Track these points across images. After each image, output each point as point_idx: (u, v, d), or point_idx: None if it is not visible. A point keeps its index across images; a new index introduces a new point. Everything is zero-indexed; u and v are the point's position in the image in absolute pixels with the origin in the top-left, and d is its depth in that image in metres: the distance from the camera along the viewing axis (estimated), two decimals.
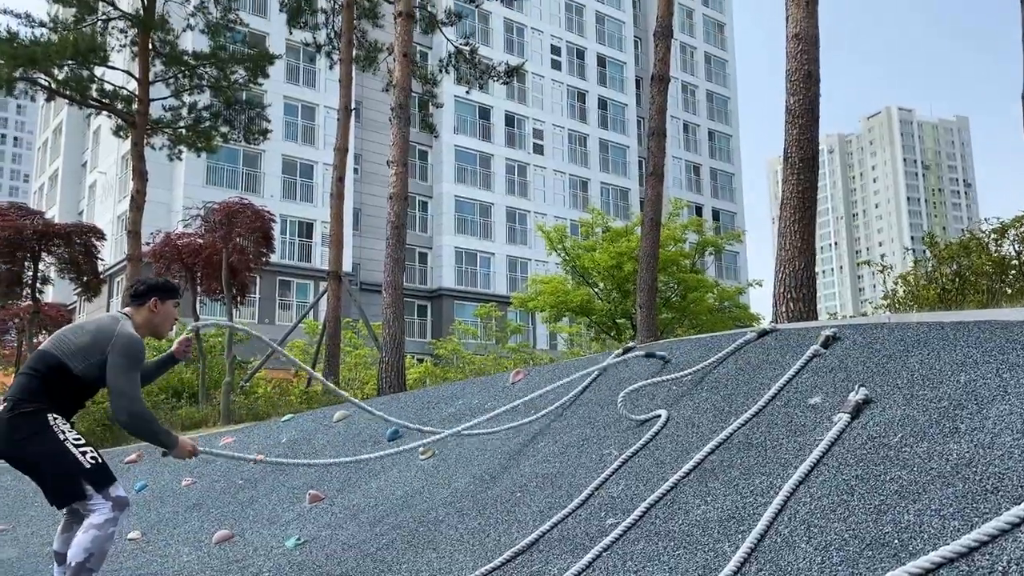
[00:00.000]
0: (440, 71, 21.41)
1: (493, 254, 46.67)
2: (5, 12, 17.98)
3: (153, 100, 18.76)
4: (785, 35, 7.92)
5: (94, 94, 18.75)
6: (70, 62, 17.75)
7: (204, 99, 20.39)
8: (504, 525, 4.49)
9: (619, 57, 55.02)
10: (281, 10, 20.42)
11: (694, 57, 59.72)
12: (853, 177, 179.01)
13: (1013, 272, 7.62)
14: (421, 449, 6.46)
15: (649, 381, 5.61)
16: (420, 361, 28.02)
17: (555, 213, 47.52)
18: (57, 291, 35.16)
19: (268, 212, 16.64)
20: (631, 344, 7.05)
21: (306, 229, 40.42)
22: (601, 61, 54.03)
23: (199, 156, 22.36)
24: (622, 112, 54.54)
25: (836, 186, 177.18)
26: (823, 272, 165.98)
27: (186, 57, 19.16)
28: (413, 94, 13.94)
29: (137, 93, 18.48)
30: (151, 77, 18.69)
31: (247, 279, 17.66)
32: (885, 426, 3.58)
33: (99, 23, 19.43)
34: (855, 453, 3.47)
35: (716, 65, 61.44)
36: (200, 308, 16.85)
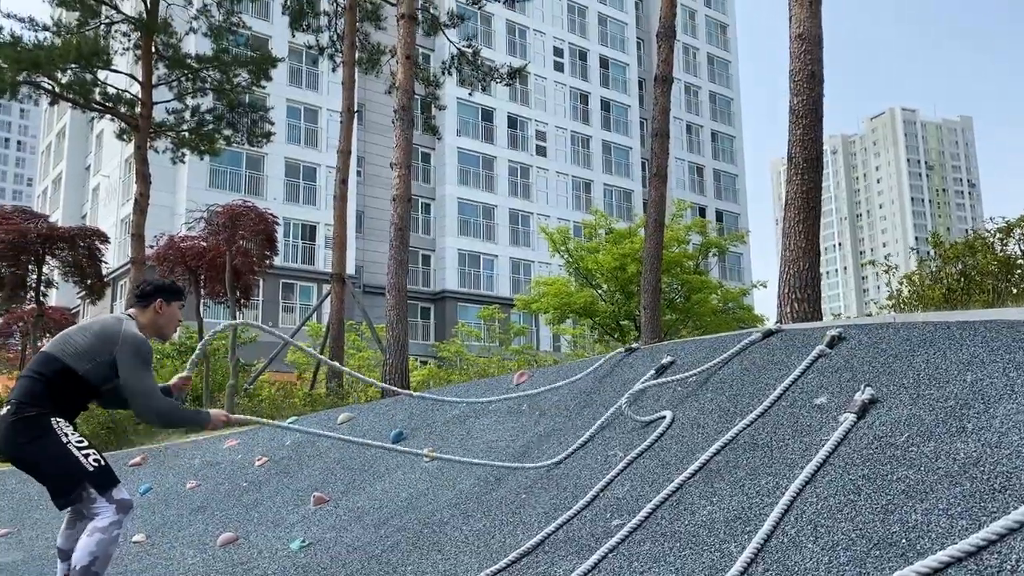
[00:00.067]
0: (443, 73, 21.42)
1: (496, 256, 46.67)
2: (8, 16, 18.03)
3: (156, 103, 18.80)
4: (788, 35, 7.90)
5: (97, 97, 18.79)
6: (73, 66, 17.79)
7: (207, 102, 20.43)
8: (509, 526, 4.48)
9: (621, 58, 55.02)
10: (283, 13, 20.44)
11: (697, 58, 59.70)
12: (857, 178, 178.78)
13: (1019, 272, 7.59)
14: (426, 450, 6.45)
15: (654, 382, 5.60)
16: (423, 363, 28.02)
17: (558, 215, 47.51)
18: (61, 294, 35.25)
19: (272, 215, 16.67)
20: (635, 345, 7.04)
21: (309, 232, 40.46)
22: (604, 62, 54.03)
23: (202, 159, 22.41)
24: (625, 114, 54.52)
25: (840, 187, 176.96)
26: (827, 273, 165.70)
27: (189, 60, 19.20)
28: (416, 96, 13.96)
29: (140, 96, 18.51)
30: (154, 80, 18.73)
31: (251, 281, 17.70)
32: (891, 426, 3.57)
33: (102, 26, 19.47)
34: (861, 453, 3.45)
35: (719, 66, 61.41)
36: (204, 311, 16.86)
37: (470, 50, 20.60)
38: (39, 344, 19.89)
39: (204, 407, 13.97)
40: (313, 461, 7.36)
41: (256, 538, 5.93)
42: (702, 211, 53.71)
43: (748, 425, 4.31)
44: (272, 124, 21.48)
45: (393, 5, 14.55)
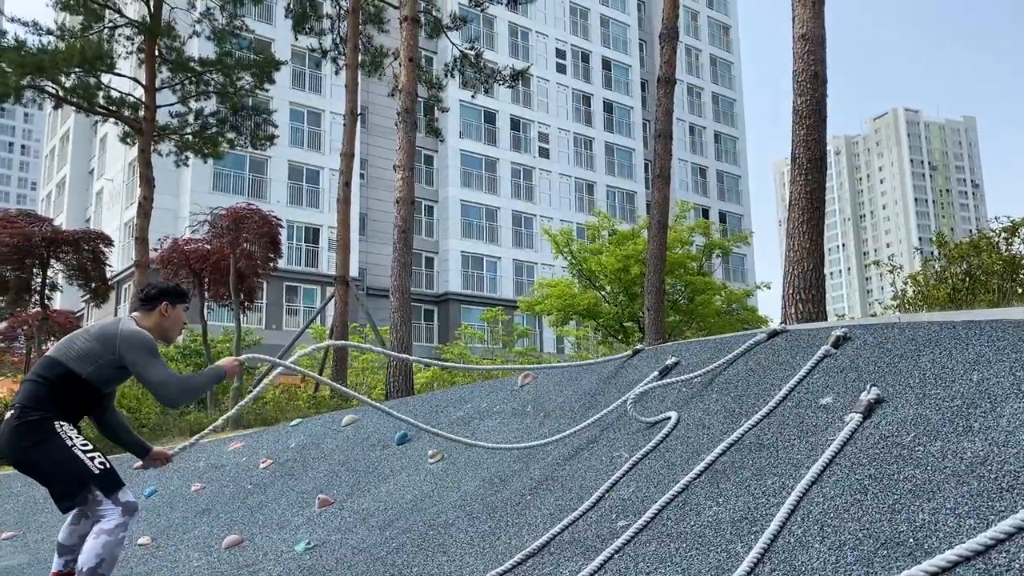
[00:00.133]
0: (445, 75, 21.44)
1: (499, 258, 46.68)
2: (13, 20, 18.09)
3: (160, 106, 18.84)
4: (792, 36, 7.91)
5: (101, 101, 18.84)
6: (77, 70, 17.84)
7: (210, 105, 20.46)
8: (514, 528, 4.48)
9: (624, 60, 55.03)
10: (287, 16, 20.48)
11: (699, 60, 59.70)
12: (860, 179, 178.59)
13: None
14: (430, 452, 6.46)
15: (659, 383, 5.60)
16: (426, 366, 28.03)
17: (561, 217, 47.53)
18: (65, 298, 35.33)
19: (275, 217, 16.69)
20: (640, 346, 7.04)
21: (312, 234, 40.50)
22: (606, 64, 54.04)
23: (206, 162, 22.44)
24: (627, 115, 54.53)
25: (843, 188, 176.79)
26: (830, 274, 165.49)
27: (192, 64, 19.24)
28: (419, 99, 13.95)
29: (144, 100, 18.55)
30: (158, 84, 18.77)
31: (255, 284, 17.71)
32: (898, 425, 3.56)
33: (106, 30, 19.52)
34: (868, 453, 3.44)
35: (722, 67, 61.41)
36: (208, 314, 16.88)
37: (473, 52, 20.61)
38: (44, 348, 19.93)
39: (208, 409, 14.01)
40: (318, 463, 7.36)
41: (261, 540, 5.93)
42: (705, 212, 53.68)
43: (754, 426, 4.30)
44: (275, 127, 21.51)
45: (396, 8, 14.57)
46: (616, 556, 3.60)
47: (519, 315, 36.88)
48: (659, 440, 4.73)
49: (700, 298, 25.19)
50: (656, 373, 5.93)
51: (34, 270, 20.21)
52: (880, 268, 9.62)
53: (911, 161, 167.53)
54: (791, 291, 7.31)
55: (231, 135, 20.18)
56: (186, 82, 19.47)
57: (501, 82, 21.33)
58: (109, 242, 21.44)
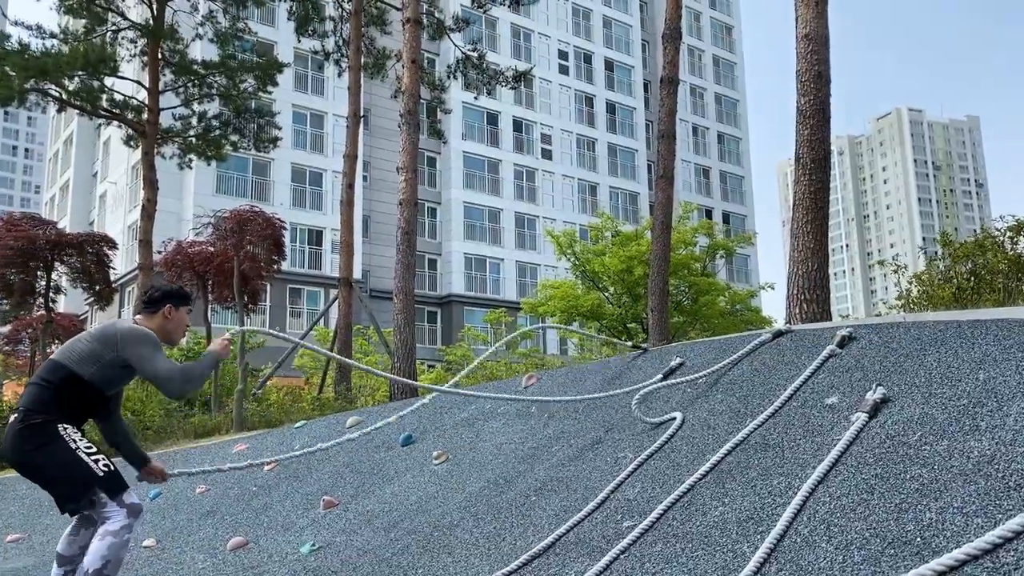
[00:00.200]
0: (448, 77, 21.45)
1: (502, 260, 46.68)
2: (16, 24, 18.14)
3: (163, 109, 18.88)
4: (795, 36, 7.90)
5: (104, 104, 18.87)
6: (80, 73, 17.88)
7: (214, 108, 20.50)
8: (520, 529, 4.47)
9: (627, 61, 55.02)
10: (289, 19, 20.52)
11: (702, 60, 59.68)
12: (863, 179, 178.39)
13: None
14: (435, 454, 6.45)
15: (663, 383, 5.59)
16: (430, 368, 28.05)
17: (564, 218, 47.52)
18: (69, 301, 35.35)
19: (279, 219, 16.70)
20: (645, 345, 7.03)
21: (316, 237, 40.54)
22: (609, 65, 54.04)
23: (209, 165, 22.49)
24: (630, 116, 54.52)
25: (846, 188, 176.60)
26: (834, 275, 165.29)
27: (195, 66, 19.27)
28: (421, 100, 13.98)
29: (147, 103, 18.59)
30: (161, 86, 18.81)
31: (259, 286, 17.73)
32: (904, 425, 3.55)
33: (109, 33, 19.57)
34: (874, 452, 3.44)
35: (724, 68, 61.37)
36: (212, 316, 16.90)
37: (475, 54, 20.62)
38: (48, 351, 19.96)
39: (212, 411, 14.00)
40: (322, 465, 7.36)
41: (266, 542, 5.93)
42: (709, 213, 53.63)
43: (759, 425, 4.29)
44: (279, 129, 21.54)
45: (398, 10, 14.59)
46: (622, 556, 3.59)
47: (522, 317, 36.88)
48: (664, 440, 4.73)
49: (704, 299, 25.17)
50: (659, 376, 5.92)
51: (38, 273, 20.25)
52: (885, 268, 9.61)
53: (915, 161, 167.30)
54: (795, 291, 7.30)
55: (234, 137, 20.21)
56: (189, 85, 19.51)
57: (504, 83, 21.34)
58: (113, 245, 21.47)
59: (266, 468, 7.88)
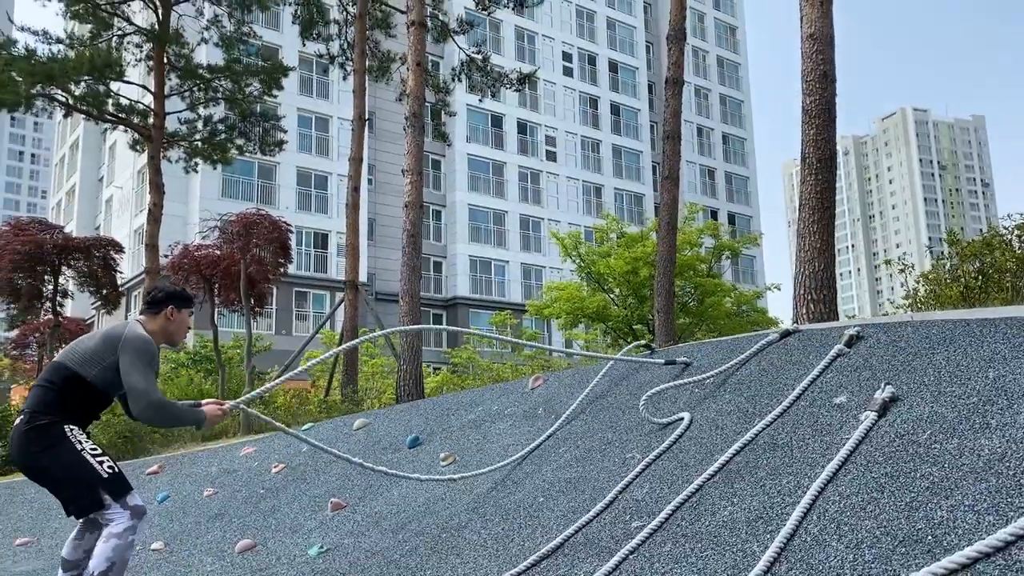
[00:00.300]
0: (453, 80, 21.47)
1: (507, 262, 46.69)
2: (23, 30, 18.21)
3: (169, 113, 18.93)
4: (800, 36, 7.88)
5: (110, 109, 18.93)
6: (87, 78, 17.95)
7: (219, 112, 20.55)
8: (528, 530, 4.47)
9: (631, 62, 55.02)
10: (294, 22, 20.56)
11: (706, 61, 59.66)
12: (869, 179, 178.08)
13: None
14: (442, 455, 6.45)
15: (671, 384, 5.58)
16: (436, 371, 28.05)
17: (569, 220, 47.53)
18: (76, 305, 35.46)
19: (285, 222, 16.71)
20: (653, 346, 7.02)
21: (321, 240, 40.61)
22: (613, 67, 54.04)
23: (215, 168, 22.54)
24: (635, 117, 54.50)
25: (852, 188, 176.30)
26: (840, 275, 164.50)
27: (201, 70, 19.33)
28: (426, 103, 13.99)
29: (153, 107, 18.65)
30: (166, 91, 18.86)
31: (265, 289, 17.73)
32: (913, 423, 3.54)
33: (114, 38, 19.64)
34: (883, 451, 3.43)
35: (729, 68, 61.34)
36: (218, 319, 16.93)
37: (479, 56, 20.64)
38: (55, 355, 20.02)
39: None
40: (330, 467, 7.36)
41: (274, 544, 5.93)
42: (714, 214, 53.58)
43: (768, 425, 4.28)
44: (284, 132, 21.58)
45: (403, 13, 14.60)
46: (631, 557, 3.58)
47: (528, 319, 36.89)
48: (672, 441, 4.72)
49: (710, 300, 25.12)
50: (663, 361, 5.94)
51: (46, 277, 20.32)
52: (892, 267, 9.58)
53: (920, 161, 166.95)
54: (802, 291, 7.28)
55: (240, 141, 20.27)
56: (195, 89, 19.57)
57: (508, 86, 21.35)
58: (120, 249, 21.54)
59: (274, 471, 7.90)
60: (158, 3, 18.71)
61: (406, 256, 12.20)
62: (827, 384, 4.42)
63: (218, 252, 16.33)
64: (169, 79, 19.14)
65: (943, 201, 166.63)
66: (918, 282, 8.43)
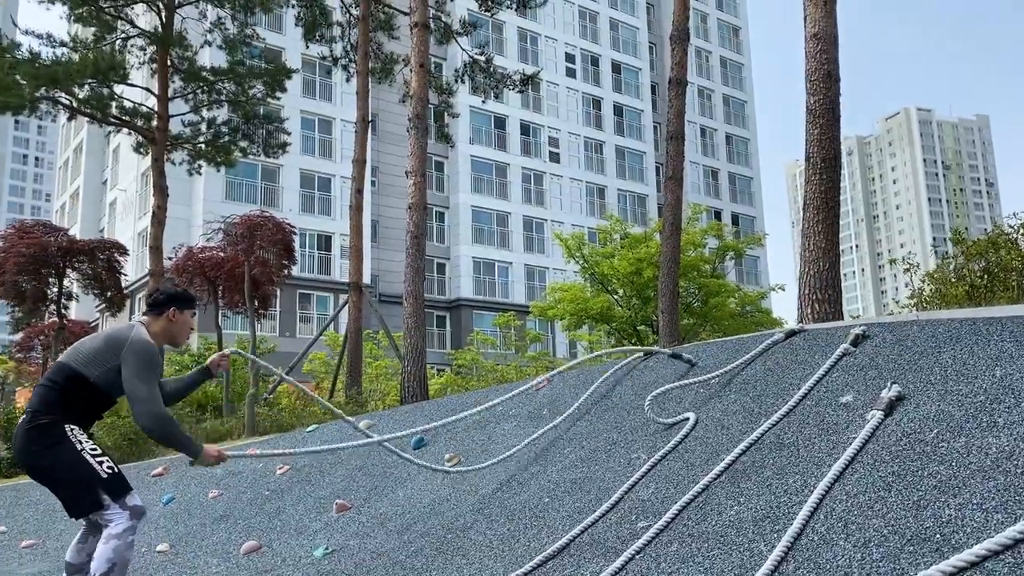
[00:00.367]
0: (456, 81, 21.48)
1: (511, 263, 46.68)
2: (27, 33, 18.25)
3: (172, 116, 18.95)
4: (804, 35, 7.88)
5: (114, 111, 18.96)
6: (91, 81, 17.97)
7: (223, 114, 20.56)
8: (533, 530, 4.46)
9: (634, 63, 54.99)
10: (297, 24, 20.58)
11: (709, 61, 59.62)
12: (872, 179, 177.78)
13: None
14: (447, 456, 6.45)
15: (676, 384, 5.57)
16: (439, 372, 28.04)
17: (572, 221, 47.51)
18: (80, 308, 35.53)
19: (289, 224, 16.74)
20: (655, 349, 7.01)
21: (325, 242, 40.63)
22: (616, 68, 54.02)
23: (219, 171, 22.57)
24: (638, 118, 54.47)
25: (856, 188, 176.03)
26: (844, 275, 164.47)
27: (204, 73, 19.35)
28: (429, 105, 14.00)
29: (156, 109, 18.67)
30: (170, 93, 18.89)
31: (269, 291, 17.76)
32: (920, 422, 3.53)
33: (118, 41, 19.66)
34: (890, 450, 3.42)
35: (732, 69, 61.29)
36: (222, 321, 16.95)
37: (483, 58, 20.64)
38: (59, 357, 20.07)
39: (223, 416, 14.05)
40: (335, 468, 7.36)
41: (279, 546, 5.93)
42: (717, 215, 53.52)
43: (774, 425, 4.27)
44: (288, 134, 21.59)
45: (406, 14, 14.62)
46: (637, 557, 3.58)
47: (531, 320, 36.87)
48: (678, 441, 4.71)
49: (714, 300, 25.10)
50: (669, 353, 5.93)
51: (50, 280, 20.35)
52: (898, 266, 9.56)
53: (924, 161, 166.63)
54: (807, 291, 7.27)
55: (243, 143, 20.28)
56: (198, 91, 19.59)
57: (511, 87, 21.34)
58: (124, 251, 21.57)
59: (279, 472, 7.90)
60: (161, 6, 18.74)
61: (410, 257, 12.20)
62: (833, 383, 4.41)
63: (222, 254, 16.36)
64: (173, 82, 19.17)
65: (947, 201, 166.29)
66: (923, 281, 8.41)
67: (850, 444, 3.61)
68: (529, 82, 21.41)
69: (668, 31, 12.19)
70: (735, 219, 56.15)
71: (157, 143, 18.37)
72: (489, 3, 19.39)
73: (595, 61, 53.05)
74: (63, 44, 18.62)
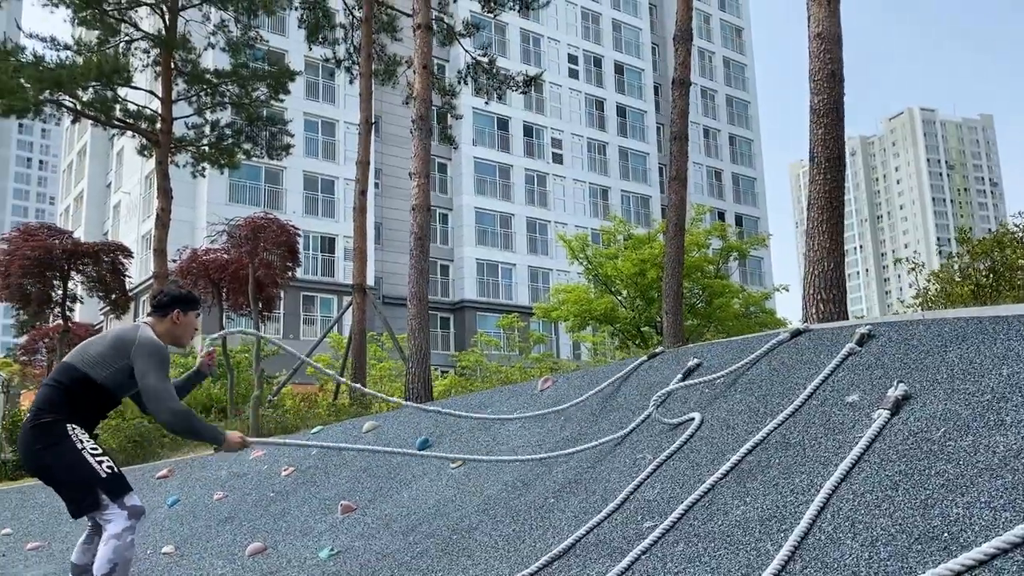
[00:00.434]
0: (459, 83, 21.47)
1: (514, 265, 46.68)
2: (31, 36, 18.29)
3: (176, 118, 18.99)
4: (807, 35, 7.86)
5: (118, 114, 19.01)
6: (94, 83, 18.02)
7: (226, 117, 20.60)
8: (539, 531, 4.46)
9: (637, 64, 54.98)
10: (300, 27, 20.59)
11: (712, 62, 59.59)
12: (876, 179, 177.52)
13: None
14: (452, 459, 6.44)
15: (681, 384, 5.56)
16: (443, 374, 28.03)
17: (576, 222, 47.49)
18: (84, 310, 35.59)
19: (293, 226, 16.74)
20: (659, 350, 7.00)
21: (328, 244, 40.66)
22: (619, 68, 54.01)
23: (222, 173, 22.63)
24: (641, 119, 54.46)
25: (859, 188, 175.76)
26: (848, 276, 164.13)
27: (208, 75, 19.39)
28: (432, 106, 14.00)
29: (160, 112, 18.71)
30: (174, 96, 18.93)
31: (273, 293, 17.77)
32: (927, 421, 3.52)
33: (122, 44, 19.71)
34: (897, 449, 3.41)
35: (735, 69, 61.26)
36: (227, 323, 16.96)
37: (486, 59, 20.63)
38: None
39: (228, 418, 14.06)
40: (339, 470, 7.36)
41: (285, 547, 5.93)
42: (721, 215, 53.48)
43: (780, 424, 4.26)
44: (291, 136, 21.61)
45: (409, 16, 14.62)
46: (643, 557, 3.57)
47: (535, 321, 36.85)
48: (683, 441, 4.70)
49: (718, 301, 25.06)
50: (680, 376, 5.89)
51: (55, 282, 20.38)
52: (903, 266, 9.54)
53: (928, 160, 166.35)
54: (812, 291, 7.25)
55: (247, 146, 20.31)
56: (202, 94, 19.62)
57: (514, 88, 21.33)
58: (129, 253, 21.59)
59: (283, 474, 7.90)
60: (165, 9, 18.78)
61: (414, 259, 12.19)
62: (839, 383, 4.40)
63: (226, 256, 16.36)
64: (176, 84, 19.21)
65: (951, 201, 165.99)
66: (929, 280, 8.39)
67: (856, 443, 3.60)
68: (532, 83, 21.40)
69: (671, 32, 12.19)
70: (739, 220, 56.09)
71: (161, 146, 18.41)
72: (492, 4, 19.39)
73: (598, 62, 53.04)
74: (67, 47, 18.68)
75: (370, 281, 34.81)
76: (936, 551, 2.60)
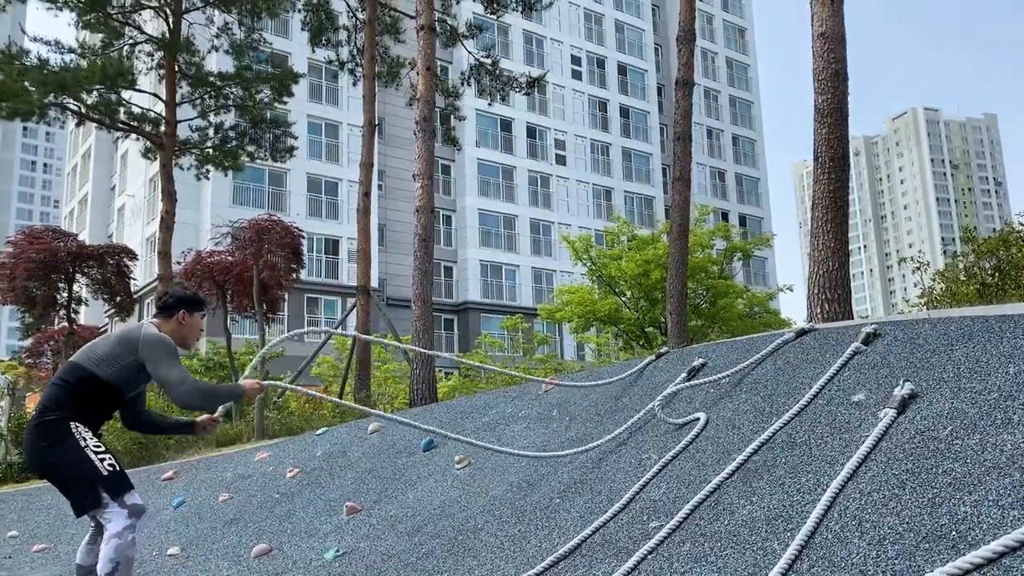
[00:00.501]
0: (462, 84, 21.48)
1: (518, 266, 46.68)
2: (35, 40, 18.34)
3: (180, 121, 19.02)
4: (811, 35, 7.85)
5: (122, 117, 19.05)
6: (99, 87, 18.06)
7: (230, 119, 20.64)
8: (544, 531, 4.45)
9: (640, 65, 54.97)
10: (303, 29, 20.62)
11: (716, 62, 59.56)
12: (880, 179, 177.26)
13: None
14: (457, 458, 6.44)
15: (686, 384, 5.56)
16: (447, 375, 28.03)
17: (579, 223, 47.49)
18: (89, 312, 35.66)
19: (297, 228, 16.77)
20: (664, 349, 7.00)
21: (332, 246, 40.71)
22: (622, 69, 54.01)
23: (226, 175, 22.67)
24: (644, 120, 54.44)
25: (863, 188, 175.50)
26: (852, 276, 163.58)
27: (212, 78, 19.42)
28: (436, 108, 14.01)
29: (164, 115, 18.75)
30: (178, 98, 18.96)
31: (277, 295, 17.79)
32: (933, 420, 3.51)
33: (126, 47, 19.76)
34: (904, 448, 3.40)
35: (738, 70, 61.23)
36: (231, 325, 16.99)
37: (489, 60, 20.63)
38: None
39: (233, 420, 14.07)
40: (344, 471, 7.36)
41: (290, 549, 5.93)
42: (725, 216, 53.44)
43: (785, 424, 4.26)
44: (295, 139, 21.64)
45: (412, 18, 14.63)
46: (649, 557, 3.56)
47: (539, 322, 36.86)
48: (689, 441, 4.70)
49: (722, 301, 25.05)
50: (684, 375, 5.88)
51: (60, 285, 20.43)
52: (907, 265, 9.52)
53: (932, 160, 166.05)
54: (816, 291, 7.24)
55: (251, 148, 20.34)
56: (206, 96, 19.66)
57: (517, 89, 21.33)
58: (133, 256, 21.64)
59: (288, 475, 7.91)
60: (169, 12, 18.82)
61: (418, 260, 12.20)
62: (845, 382, 4.40)
63: (230, 258, 16.39)
64: (180, 87, 19.24)
65: (955, 200, 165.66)
66: (934, 280, 8.38)
67: (863, 442, 3.59)
68: (535, 84, 21.40)
69: (673, 32, 12.19)
70: (742, 220, 56.05)
71: (165, 148, 18.44)
72: (495, 6, 19.40)
73: (601, 63, 53.04)
74: (71, 50, 18.72)
75: (374, 283, 34.86)
76: (944, 549, 2.60)
